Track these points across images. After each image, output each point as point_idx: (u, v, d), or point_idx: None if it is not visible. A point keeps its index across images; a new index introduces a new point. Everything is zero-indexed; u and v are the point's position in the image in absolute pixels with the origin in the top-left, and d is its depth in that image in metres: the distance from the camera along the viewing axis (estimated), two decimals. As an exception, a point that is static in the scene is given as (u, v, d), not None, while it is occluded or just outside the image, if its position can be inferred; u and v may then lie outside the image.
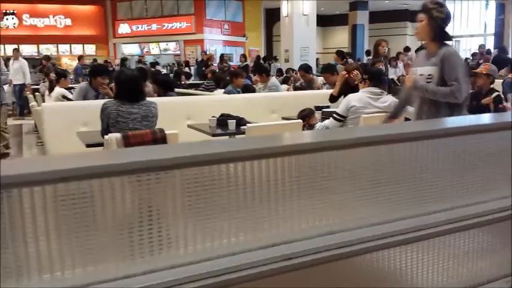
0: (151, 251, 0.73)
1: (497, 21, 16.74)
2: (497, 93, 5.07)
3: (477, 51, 13.88)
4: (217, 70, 12.37)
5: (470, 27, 20.02)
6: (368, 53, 15.67)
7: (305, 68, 7.37)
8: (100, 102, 5.21)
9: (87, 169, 0.68)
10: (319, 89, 7.01)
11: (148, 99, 3.72)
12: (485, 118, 1.51)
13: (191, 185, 0.73)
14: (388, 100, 4.34)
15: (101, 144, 3.50)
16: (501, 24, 16.41)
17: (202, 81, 11.40)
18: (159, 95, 5.86)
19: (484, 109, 4.85)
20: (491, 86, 5.19)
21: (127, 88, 3.53)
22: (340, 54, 9.86)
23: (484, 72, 4.93)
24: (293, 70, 11.55)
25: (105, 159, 0.77)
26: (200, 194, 0.75)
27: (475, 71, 5.17)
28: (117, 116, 3.44)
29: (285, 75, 11.42)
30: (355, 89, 4.78)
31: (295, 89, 8.30)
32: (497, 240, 1.06)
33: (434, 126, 1.09)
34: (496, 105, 4.79)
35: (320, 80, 7.27)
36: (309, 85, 7.26)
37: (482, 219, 0.94)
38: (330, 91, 6.02)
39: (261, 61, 15.42)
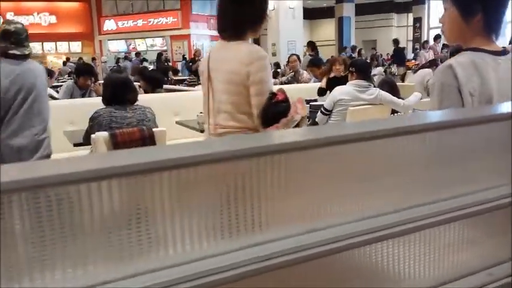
0: (132, 255, 0.73)
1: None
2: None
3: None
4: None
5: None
6: (353, 48, 15.78)
7: (316, 63, 7.04)
8: (86, 100, 5.21)
9: (71, 175, 0.68)
10: (306, 82, 7.03)
11: (139, 97, 3.68)
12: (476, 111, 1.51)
13: (173, 187, 0.74)
14: (375, 93, 4.37)
15: (88, 143, 3.47)
16: (486, 14, 16.48)
17: (187, 77, 11.40)
18: (146, 92, 5.84)
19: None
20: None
21: (116, 92, 3.47)
22: (310, 45, 9.89)
23: None
24: (278, 66, 11.57)
25: (91, 164, 0.78)
26: (181, 195, 0.75)
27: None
28: (110, 121, 3.37)
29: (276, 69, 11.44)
30: (342, 81, 4.80)
31: (282, 83, 8.31)
32: (480, 232, 1.08)
33: (424, 120, 1.10)
34: None
35: (306, 74, 7.29)
36: (296, 79, 7.28)
37: (463, 212, 0.96)
38: (317, 84, 6.04)
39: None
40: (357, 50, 15.56)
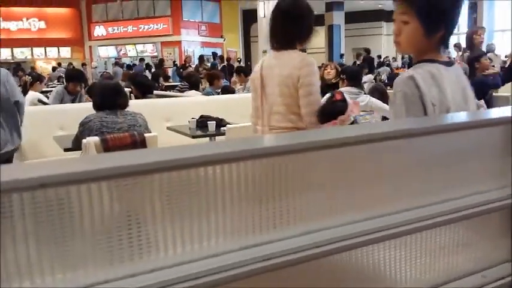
0: (131, 255, 0.73)
1: (470, 21, 17.07)
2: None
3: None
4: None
5: (444, 27, 20.36)
6: (342, 56, 15.97)
7: None
8: (77, 106, 5.18)
9: (65, 176, 0.68)
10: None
11: (130, 102, 3.67)
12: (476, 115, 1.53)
13: (169, 189, 0.74)
14: (366, 99, 4.39)
15: (78, 148, 3.45)
16: (473, 23, 16.75)
17: (178, 83, 11.39)
18: (137, 98, 5.82)
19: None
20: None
21: (107, 97, 3.46)
22: None
23: None
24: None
25: (84, 165, 0.77)
26: (178, 197, 0.75)
27: None
28: (101, 126, 3.35)
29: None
30: (334, 88, 4.82)
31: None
32: (474, 235, 1.09)
33: (421, 124, 1.11)
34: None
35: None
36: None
37: (457, 215, 0.97)
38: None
39: (235, 62, 15.46)
40: (361, 56, 15.86)
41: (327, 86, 5.31)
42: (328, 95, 2.52)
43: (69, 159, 0.81)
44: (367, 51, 15.91)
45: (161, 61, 16.06)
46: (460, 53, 13.26)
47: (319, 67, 7.22)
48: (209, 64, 14.77)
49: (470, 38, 7.19)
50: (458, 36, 18.94)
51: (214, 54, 16.80)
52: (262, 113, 2.55)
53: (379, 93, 4.93)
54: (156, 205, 0.77)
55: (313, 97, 2.40)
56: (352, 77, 4.46)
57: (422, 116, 1.48)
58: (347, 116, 2.39)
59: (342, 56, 16.14)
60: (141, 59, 17.48)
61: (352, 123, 2.39)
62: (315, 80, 2.44)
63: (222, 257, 0.79)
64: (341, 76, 4.64)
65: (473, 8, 16.77)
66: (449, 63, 1.61)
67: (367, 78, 11.19)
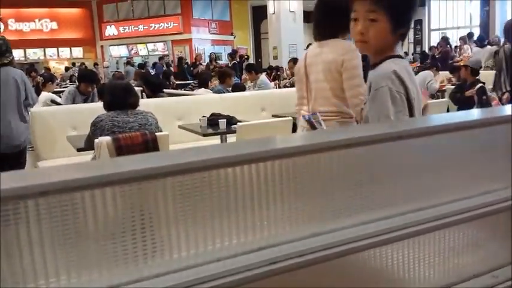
0: (136, 261, 0.73)
1: (482, 13, 16.87)
2: (480, 84, 5.10)
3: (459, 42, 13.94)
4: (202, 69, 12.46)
5: (456, 19, 20.15)
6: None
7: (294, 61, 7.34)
8: (89, 106, 5.22)
9: (74, 181, 0.69)
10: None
11: (140, 101, 3.69)
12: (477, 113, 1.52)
13: (176, 193, 0.74)
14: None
15: (90, 148, 3.48)
16: (486, 15, 16.54)
17: (190, 82, 11.42)
18: (148, 97, 5.85)
19: (469, 101, 4.88)
20: (477, 77, 5.22)
21: (117, 97, 3.48)
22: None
23: (462, 64, 4.98)
24: (278, 69, 11.58)
25: (94, 170, 0.78)
26: (184, 201, 0.75)
27: (457, 64, 5.24)
28: (112, 126, 3.38)
29: (276, 73, 11.44)
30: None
31: (284, 86, 8.31)
32: (484, 235, 1.08)
33: (425, 124, 1.10)
34: (480, 97, 4.82)
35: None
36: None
37: (467, 215, 0.96)
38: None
39: (246, 60, 15.44)
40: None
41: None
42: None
43: (75, 165, 0.82)
44: None
45: (180, 59, 15.96)
46: (465, 46, 13.12)
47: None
48: (220, 62, 14.79)
49: (510, 30, 7.09)
50: (471, 28, 18.76)
51: (233, 52, 16.54)
52: (307, 100, 2.69)
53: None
54: (164, 209, 0.77)
55: (357, 80, 2.48)
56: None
57: (407, 112, 1.48)
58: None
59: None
60: (160, 58, 17.39)
61: (469, 103, 2.64)
62: (358, 64, 2.52)
63: (232, 260, 0.79)
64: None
65: (486, 0, 16.56)
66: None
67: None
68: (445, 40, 13.37)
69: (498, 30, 13.35)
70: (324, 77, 2.55)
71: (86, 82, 5.40)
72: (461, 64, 4.91)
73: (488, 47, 10.76)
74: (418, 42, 20.98)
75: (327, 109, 2.55)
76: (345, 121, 2.53)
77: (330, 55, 2.53)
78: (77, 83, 5.60)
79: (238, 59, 15.10)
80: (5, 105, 3.65)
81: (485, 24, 16.50)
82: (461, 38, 13.95)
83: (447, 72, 7.53)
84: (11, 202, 0.66)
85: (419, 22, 21.84)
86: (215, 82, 7.43)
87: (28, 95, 3.82)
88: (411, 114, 1.51)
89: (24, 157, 4.06)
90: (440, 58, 11.18)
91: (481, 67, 5.78)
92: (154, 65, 16.27)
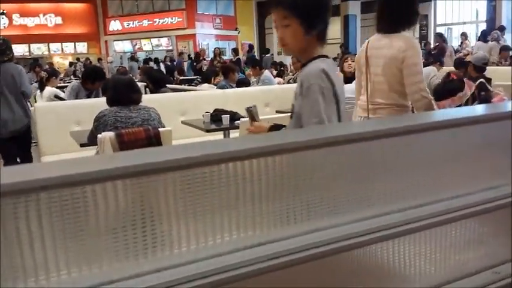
0: (136, 255, 0.73)
1: (489, 8, 16.76)
2: (480, 80, 5.07)
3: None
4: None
5: (462, 15, 20.03)
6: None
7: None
8: (93, 101, 5.22)
9: (80, 175, 0.69)
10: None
11: (144, 96, 3.69)
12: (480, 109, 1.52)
13: (177, 188, 0.74)
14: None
15: (93, 143, 3.48)
16: (493, 11, 16.43)
17: (194, 77, 11.39)
18: (151, 92, 5.85)
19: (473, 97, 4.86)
20: (483, 73, 5.19)
21: (120, 93, 3.48)
22: None
23: (468, 59, 4.96)
24: (282, 65, 11.55)
25: (98, 164, 0.78)
26: (185, 196, 0.75)
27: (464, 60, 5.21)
28: (115, 121, 3.38)
29: (280, 68, 11.42)
30: (350, 80, 4.79)
31: (288, 82, 8.28)
32: (487, 231, 1.07)
33: (425, 120, 1.09)
34: (479, 92, 4.79)
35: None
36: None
37: (469, 210, 0.96)
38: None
39: (254, 53, 15.36)
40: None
41: (346, 78, 5.27)
42: (444, 75, 2.99)
43: (80, 159, 0.82)
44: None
45: (197, 54, 15.75)
46: (467, 41, 13.07)
47: (335, 58, 7.09)
48: (224, 57, 14.72)
49: None
50: (477, 24, 18.64)
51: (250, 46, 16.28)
52: (366, 90, 2.78)
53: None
54: (166, 204, 0.77)
55: (417, 77, 2.58)
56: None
57: (335, 109, 1.63)
58: (465, 93, 2.73)
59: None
60: (180, 53, 17.19)
61: (467, 101, 2.72)
62: (419, 61, 2.63)
63: (234, 254, 0.79)
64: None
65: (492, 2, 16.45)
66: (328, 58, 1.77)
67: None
68: (440, 36, 13.33)
69: (506, 26, 13.24)
70: (383, 72, 2.66)
71: (92, 79, 5.39)
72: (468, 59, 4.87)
73: (490, 42, 10.75)
74: (423, 37, 20.88)
75: (384, 101, 2.67)
76: (400, 110, 2.65)
77: (391, 51, 2.61)
78: (83, 80, 5.57)
79: (248, 50, 15.02)
80: (6, 96, 4.38)
81: (492, 19, 16.38)
82: (462, 34, 13.91)
83: (451, 67, 7.49)
84: (13, 196, 0.66)
85: (425, 17, 21.73)
86: (219, 78, 7.42)
87: (22, 85, 4.49)
88: (338, 108, 1.65)
89: (29, 135, 4.70)
90: (435, 54, 11.15)
91: (486, 63, 5.74)
92: (135, 59, 16.27)
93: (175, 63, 15.44)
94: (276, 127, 1.94)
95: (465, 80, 2.81)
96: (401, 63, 2.57)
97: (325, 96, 1.61)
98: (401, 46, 2.59)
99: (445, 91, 2.74)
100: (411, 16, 2.73)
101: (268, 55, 14.66)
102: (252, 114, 2.27)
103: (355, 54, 7.98)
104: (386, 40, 2.68)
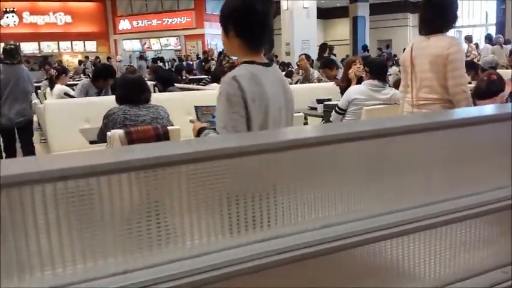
0: (141, 248, 0.75)
1: (499, 11, 16.66)
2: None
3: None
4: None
5: (472, 18, 19.93)
6: (364, 47, 15.72)
7: (328, 64, 6.58)
8: (102, 99, 5.25)
9: (91, 167, 0.70)
10: (318, 81, 7.00)
11: (152, 95, 3.70)
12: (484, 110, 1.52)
13: (186, 181, 0.75)
14: (390, 92, 4.34)
15: (103, 140, 3.50)
16: (502, 14, 16.33)
17: (203, 77, 11.40)
18: (160, 91, 5.87)
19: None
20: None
21: (130, 91, 3.50)
22: (322, 47, 9.89)
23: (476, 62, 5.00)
24: (288, 66, 11.53)
25: (110, 157, 0.79)
26: (192, 190, 0.76)
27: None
28: (124, 119, 3.40)
29: (288, 69, 11.41)
30: (358, 81, 4.79)
31: (296, 83, 8.29)
32: (496, 231, 1.07)
33: (431, 119, 1.10)
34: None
35: (316, 73, 7.26)
36: (307, 78, 7.26)
37: (479, 210, 0.96)
38: (329, 84, 6.06)
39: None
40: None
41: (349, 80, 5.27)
42: (483, 74, 3.10)
43: (93, 152, 0.83)
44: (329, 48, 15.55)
45: (220, 54, 15.57)
46: (473, 44, 13.02)
47: (343, 60, 7.05)
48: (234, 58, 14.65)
49: None
50: (487, 27, 18.53)
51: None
52: (411, 88, 3.00)
53: (404, 86, 4.87)
54: (177, 197, 0.78)
55: (459, 71, 2.82)
56: (376, 70, 4.40)
57: (243, 112, 1.72)
58: (506, 93, 2.84)
59: (365, 48, 15.83)
60: (204, 52, 16.85)
61: (506, 100, 2.86)
62: (462, 57, 2.90)
63: (243, 248, 0.80)
64: (365, 69, 4.60)
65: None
66: (268, 64, 1.87)
67: (393, 71, 11.07)
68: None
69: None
70: (430, 68, 2.87)
71: (104, 77, 5.43)
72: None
73: (494, 46, 10.82)
74: (432, 40, 20.73)
75: (430, 96, 2.89)
76: (446, 106, 2.83)
77: (436, 49, 2.84)
78: (94, 77, 5.61)
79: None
80: (16, 93, 5.18)
81: (502, 22, 16.28)
82: (466, 38, 13.86)
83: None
84: (29, 186, 0.67)
85: (433, 20, 21.56)
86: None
87: (29, 84, 5.42)
88: (247, 113, 1.74)
89: (31, 128, 5.51)
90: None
91: (493, 66, 5.72)
92: (144, 59, 16.27)
93: (184, 63, 15.43)
94: (203, 129, 2.08)
95: (506, 80, 2.94)
96: (446, 59, 2.79)
97: (233, 104, 1.73)
98: (445, 45, 2.84)
99: (488, 91, 2.88)
100: (451, 18, 2.98)
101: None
102: (196, 112, 2.43)
103: (366, 56, 7.86)
104: (430, 40, 2.92)
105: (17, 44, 5.50)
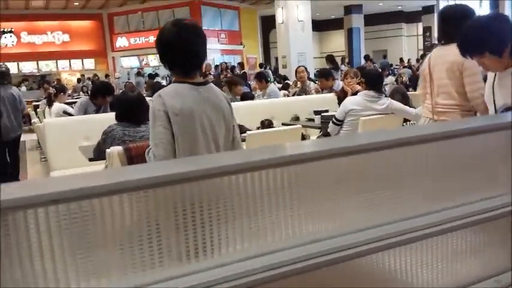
0: (144, 266, 0.76)
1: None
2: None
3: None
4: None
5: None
6: (366, 57, 15.81)
7: (324, 75, 6.82)
8: (101, 116, 5.28)
9: (86, 189, 0.71)
10: (316, 92, 7.04)
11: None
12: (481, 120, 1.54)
13: (186, 200, 0.77)
14: (386, 102, 4.38)
15: (99, 156, 3.52)
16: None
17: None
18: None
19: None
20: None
21: (130, 111, 3.53)
22: (329, 58, 9.97)
23: None
24: (284, 79, 11.57)
25: (104, 179, 0.81)
26: (194, 208, 0.78)
27: None
28: (123, 135, 3.42)
29: (284, 82, 11.46)
30: (354, 92, 4.83)
31: (293, 95, 8.33)
32: (488, 239, 1.09)
33: (427, 131, 1.11)
34: None
35: (313, 85, 7.31)
36: (304, 90, 7.29)
37: (471, 219, 0.97)
38: (327, 95, 6.10)
39: (268, 68, 15.35)
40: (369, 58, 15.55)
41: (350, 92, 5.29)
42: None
43: (87, 174, 0.85)
44: (384, 55, 15.61)
45: (233, 68, 15.46)
46: None
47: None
48: (231, 72, 14.70)
49: None
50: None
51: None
52: (431, 95, 3.15)
53: (401, 95, 4.91)
54: (172, 217, 0.80)
55: (475, 77, 2.92)
56: (371, 81, 4.44)
57: (167, 125, 1.97)
58: None
59: (368, 57, 15.86)
60: (216, 66, 16.93)
61: None
62: (476, 64, 2.88)
63: (234, 265, 0.81)
64: (361, 79, 4.64)
65: (495, 2, 16.46)
66: (202, 83, 2.15)
67: (389, 80, 11.13)
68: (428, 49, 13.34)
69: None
70: (447, 75, 3.01)
71: (103, 94, 5.43)
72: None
73: None
74: (427, 49, 20.89)
75: (448, 102, 3.01)
76: (464, 114, 2.95)
77: (452, 57, 2.93)
78: (93, 95, 5.63)
79: (242, 68, 14.96)
80: (9, 111, 5.68)
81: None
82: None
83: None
84: (24, 210, 0.68)
85: (428, 29, 21.80)
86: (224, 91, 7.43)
87: (21, 103, 5.91)
88: (171, 125, 1.98)
89: (19, 142, 6.02)
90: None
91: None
92: (141, 75, 16.35)
93: (142, 80, 15.47)
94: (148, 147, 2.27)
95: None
96: (462, 66, 2.91)
97: (157, 117, 1.99)
98: (458, 52, 3.02)
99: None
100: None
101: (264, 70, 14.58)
102: None
103: (361, 68, 7.91)
104: (447, 49, 3.02)
105: (7, 67, 6.18)
